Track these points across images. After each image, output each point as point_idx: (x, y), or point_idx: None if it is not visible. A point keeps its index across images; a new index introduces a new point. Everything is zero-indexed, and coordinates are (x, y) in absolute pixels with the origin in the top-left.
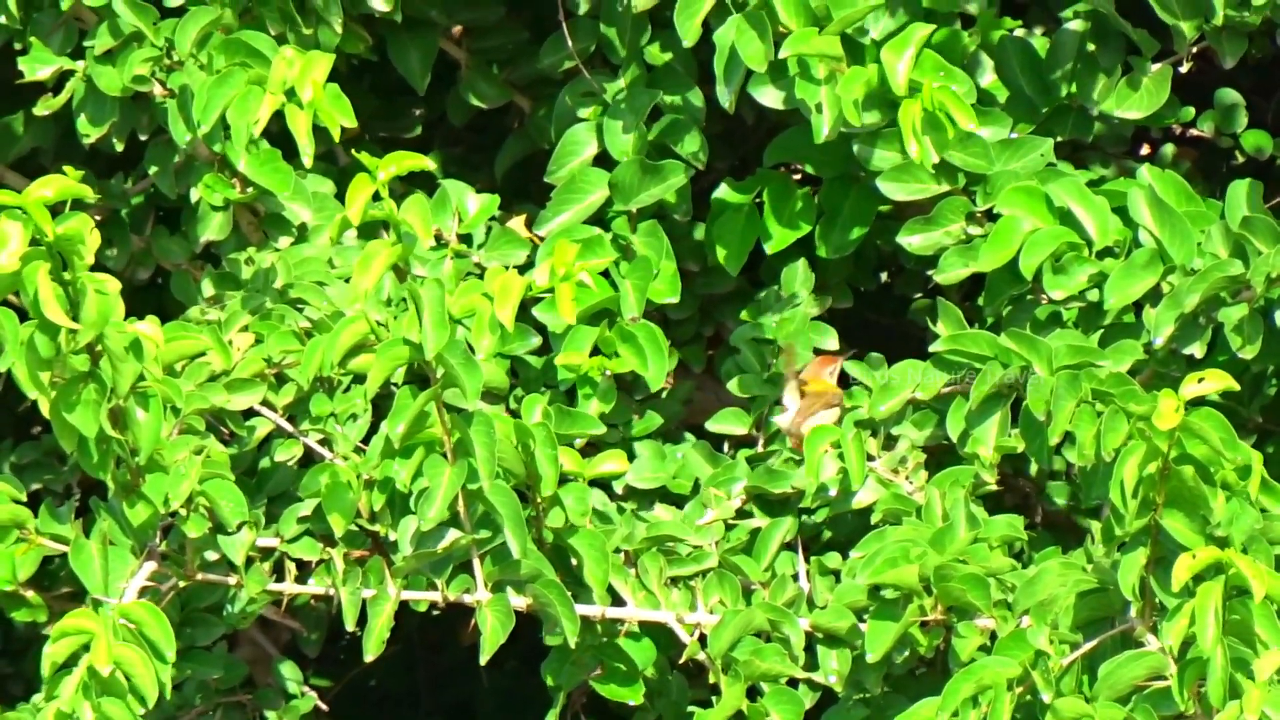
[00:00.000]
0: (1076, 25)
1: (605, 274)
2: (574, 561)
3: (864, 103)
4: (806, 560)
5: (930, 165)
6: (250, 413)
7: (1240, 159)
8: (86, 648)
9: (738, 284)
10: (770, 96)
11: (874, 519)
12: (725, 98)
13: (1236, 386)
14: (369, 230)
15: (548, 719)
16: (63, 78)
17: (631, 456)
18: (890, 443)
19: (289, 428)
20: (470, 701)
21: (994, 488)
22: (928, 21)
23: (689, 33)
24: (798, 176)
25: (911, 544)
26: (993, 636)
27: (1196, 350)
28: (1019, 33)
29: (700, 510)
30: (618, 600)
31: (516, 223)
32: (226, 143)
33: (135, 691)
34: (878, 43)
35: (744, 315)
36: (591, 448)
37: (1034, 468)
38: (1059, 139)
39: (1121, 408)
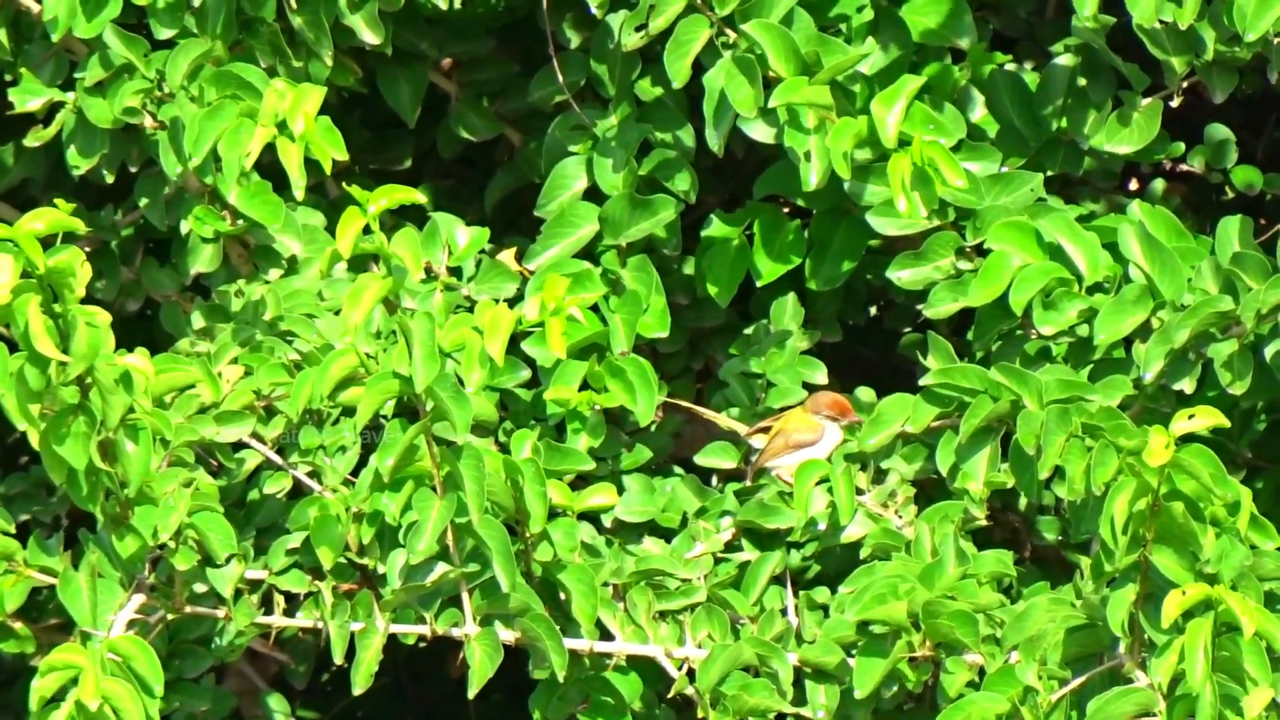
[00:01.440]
0: (1067, 60)
1: (595, 308)
2: (562, 595)
3: (854, 146)
4: (795, 595)
5: (919, 217)
6: (239, 445)
7: (1230, 194)
8: (74, 682)
9: (727, 318)
10: (760, 132)
11: (863, 554)
12: (714, 141)
13: (1227, 423)
14: (359, 263)
15: None
16: (53, 109)
17: (620, 490)
18: (880, 476)
19: (278, 460)
20: None
21: (983, 523)
22: (918, 56)
23: (679, 74)
24: (788, 209)
25: (900, 580)
26: (981, 672)
27: (1186, 386)
28: (1010, 67)
29: (689, 544)
30: (606, 634)
31: (506, 256)
32: (217, 175)
33: None
34: (869, 80)
35: (733, 349)
36: (581, 480)
37: (1023, 502)
38: (1049, 173)
39: (1111, 442)
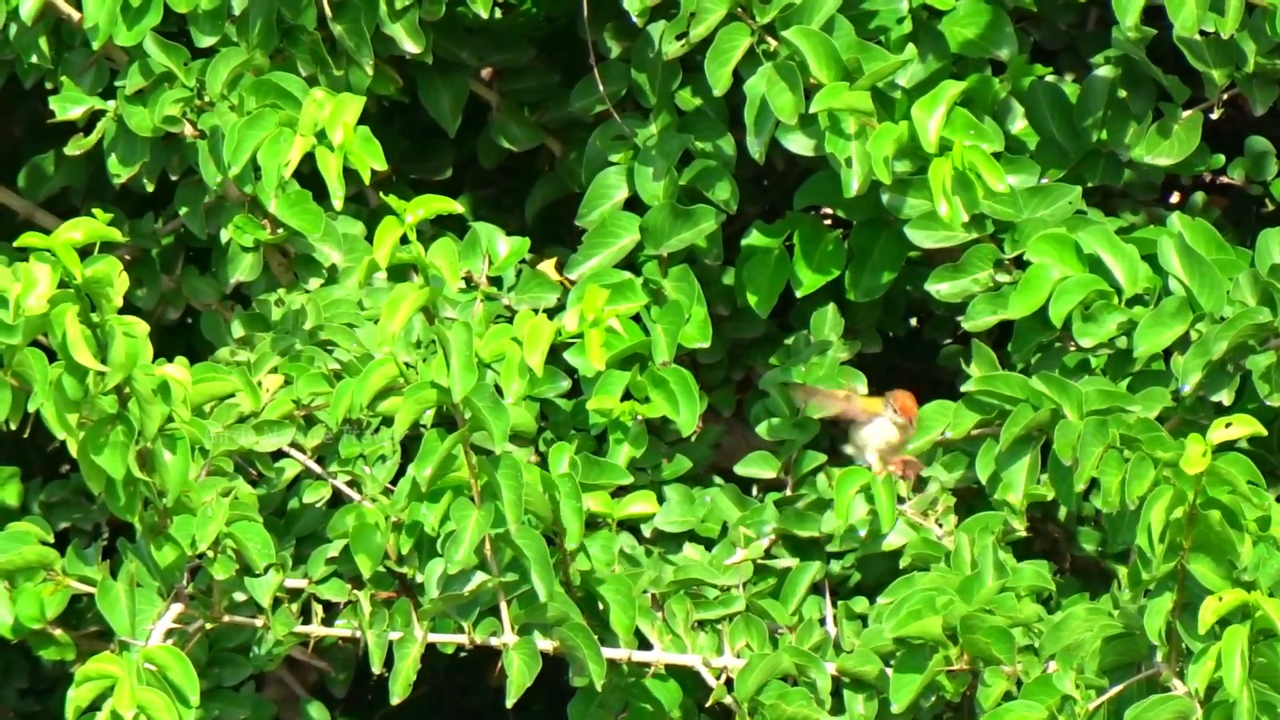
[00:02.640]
0: (1107, 71)
1: (636, 318)
2: (601, 605)
3: (894, 154)
4: (834, 605)
5: (960, 224)
6: (279, 454)
7: (1270, 207)
8: (110, 692)
9: (767, 328)
10: (800, 144)
11: (902, 563)
12: (755, 149)
13: (1264, 431)
14: (401, 272)
15: None
16: (94, 117)
17: (660, 499)
18: (920, 485)
19: (318, 469)
20: None
21: (1023, 534)
22: (957, 67)
23: (720, 81)
24: (828, 220)
25: (939, 592)
26: (1019, 683)
27: (1225, 398)
28: (1049, 79)
29: (729, 552)
30: (644, 643)
31: (547, 266)
32: (257, 184)
33: None
34: (908, 92)
35: (773, 360)
36: (621, 489)
37: (1063, 513)
38: (1089, 185)
39: (1148, 454)
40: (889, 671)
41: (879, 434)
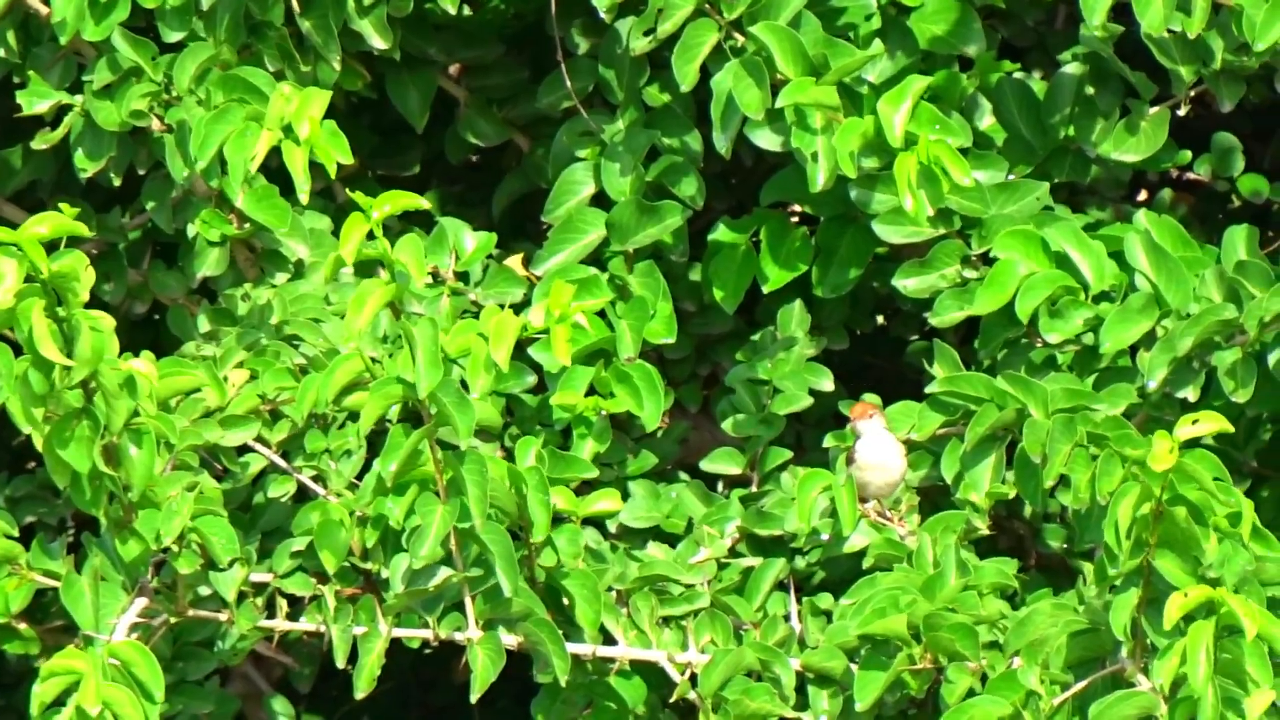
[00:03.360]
0: (1075, 68)
1: (602, 314)
2: (566, 601)
3: (861, 149)
4: (799, 601)
5: (926, 219)
6: (244, 449)
7: (1237, 203)
8: (75, 687)
9: (734, 324)
10: (767, 140)
11: (866, 563)
12: (722, 144)
13: (1230, 428)
14: (368, 268)
15: None
16: (61, 112)
17: (625, 495)
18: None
19: (283, 464)
20: None
21: (986, 533)
22: (925, 64)
23: (687, 77)
24: (795, 217)
25: (902, 592)
26: (983, 678)
27: (1190, 394)
28: (1017, 75)
29: (693, 549)
30: (609, 639)
31: (514, 261)
32: (224, 178)
33: None
34: (875, 88)
35: (739, 356)
36: (586, 485)
37: (1029, 510)
38: (1056, 182)
39: (1116, 452)
40: (854, 668)
41: (872, 453)
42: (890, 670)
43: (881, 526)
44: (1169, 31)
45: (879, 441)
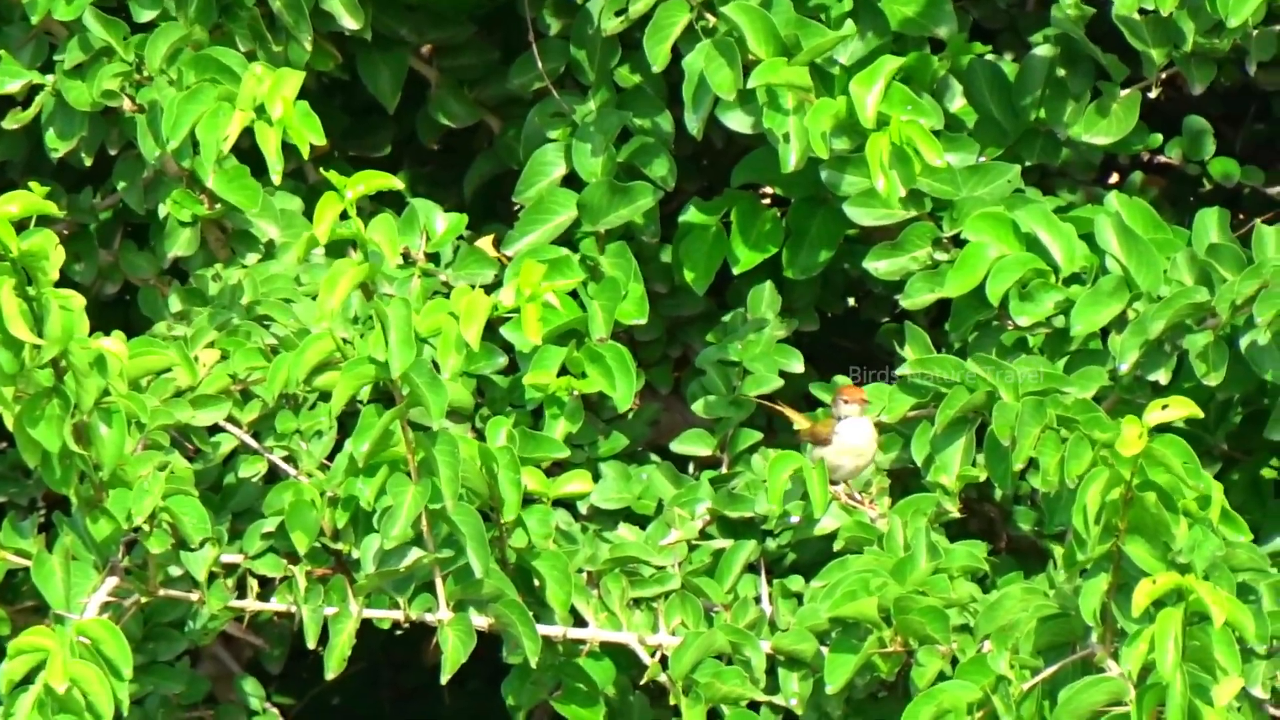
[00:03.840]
0: (1046, 50)
1: (574, 294)
2: (537, 582)
3: (832, 130)
4: (769, 583)
5: (897, 200)
6: (215, 429)
7: (1208, 186)
8: (43, 665)
9: (705, 306)
10: (738, 121)
11: (836, 546)
12: (693, 124)
13: (1200, 413)
14: (339, 248)
15: None
16: (32, 91)
17: (597, 476)
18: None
19: (254, 444)
20: None
21: (956, 515)
22: (897, 45)
23: (658, 58)
24: (766, 198)
25: (872, 574)
26: (954, 662)
27: (1161, 377)
28: (989, 57)
29: (664, 531)
30: (580, 621)
31: (484, 242)
32: (195, 159)
33: (91, 709)
34: (847, 69)
35: (710, 337)
36: (557, 466)
37: (999, 493)
38: (1027, 164)
39: (1086, 435)
40: (824, 650)
41: (853, 436)
42: (861, 653)
43: (852, 509)
44: (1141, 12)
45: (859, 426)
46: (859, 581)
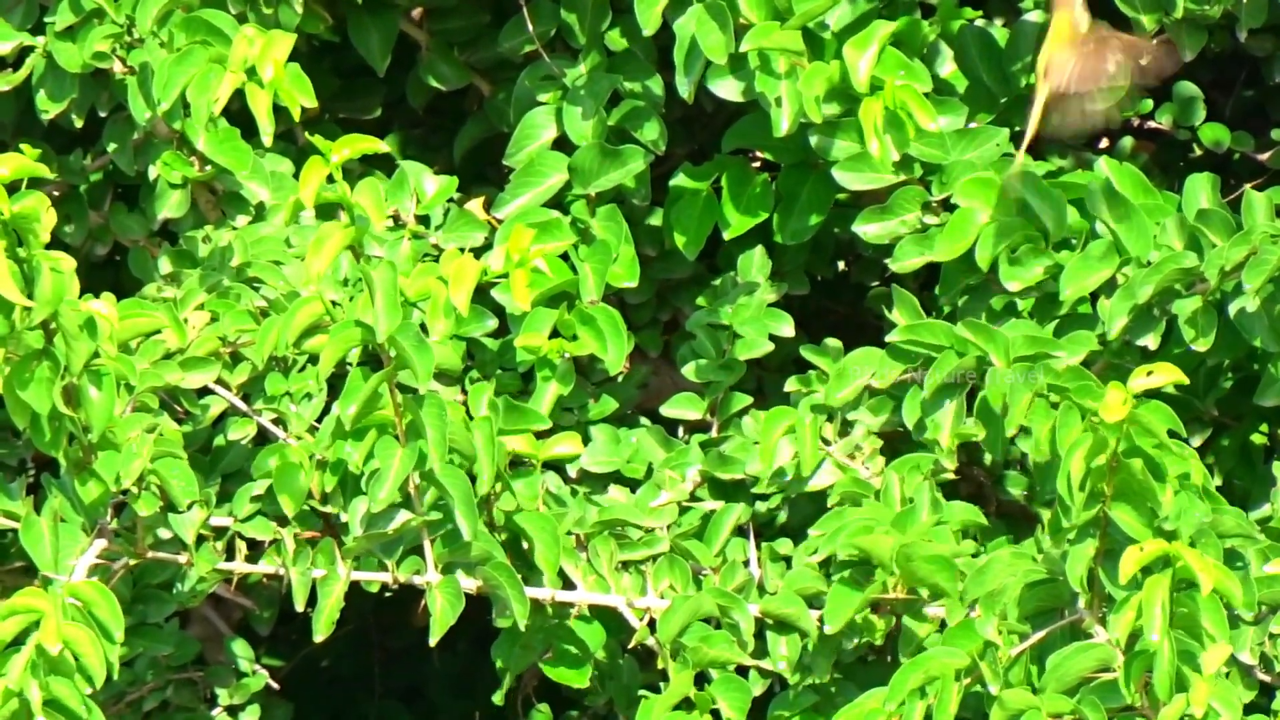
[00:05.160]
0: (1036, 16)
1: (565, 257)
2: (525, 545)
3: (824, 95)
4: (758, 546)
5: (890, 164)
6: (204, 391)
7: (1198, 152)
8: (35, 626)
9: (695, 270)
10: (728, 89)
11: (830, 501)
12: (685, 88)
13: (1185, 379)
14: (329, 211)
15: (495, 698)
16: (23, 53)
17: (587, 439)
18: (846, 429)
19: (243, 406)
20: (422, 684)
21: (951, 475)
22: (887, 10)
23: (649, 21)
24: (756, 163)
25: (874, 522)
26: (942, 626)
27: (1150, 342)
28: (979, 23)
29: (654, 493)
30: (568, 584)
31: (475, 205)
32: (186, 120)
33: (83, 671)
34: (837, 35)
35: (700, 301)
36: (548, 429)
37: (988, 457)
38: (1017, 130)
39: (1077, 404)
40: (813, 613)
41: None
42: (865, 592)
43: (846, 467)
44: None
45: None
46: (861, 528)
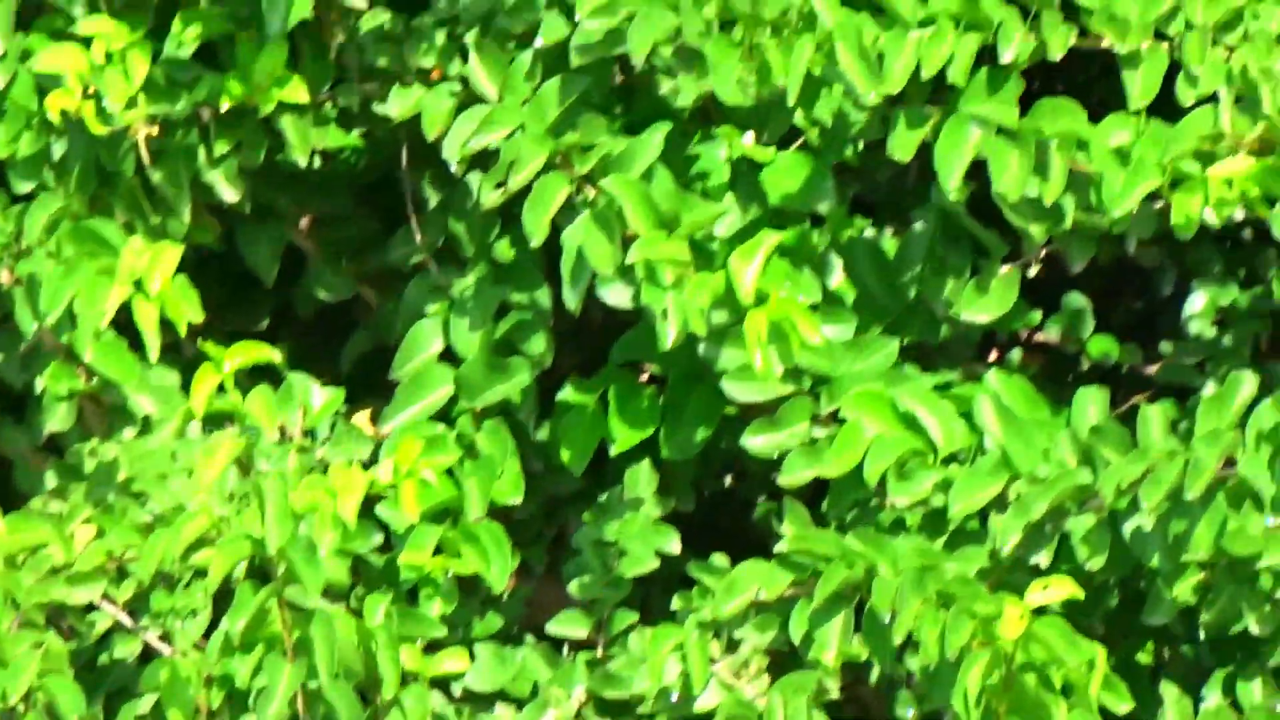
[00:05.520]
0: (926, 226)
1: (449, 472)
2: None
3: (711, 305)
4: None
5: (775, 377)
6: (90, 607)
7: (1087, 365)
8: None
9: (582, 484)
10: (618, 295)
11: None
12: (571, 300)
13: (1081, 595)
14: (217, 422)
15: None
16: None
17: (472, 657)
18: (733, 646)
19: (129, 622)
20: None
21: (836, 696)
22: (777, 219)
23: (538, 232)
24: (645, 375)
25: None
26: None
27: (1043, 559)
28: (869, 233)
29: (540, 712)
30: None
31: (361, 418)
32: (73, 332)
33: None
34: (727, 241)
35: (587, 516)
36: (432, 645)
37: (875, 676)
38: (906, 341)
39: (966, 608)
40: None
41: None
42: None
43: (732, 687)
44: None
45: None
46: None
